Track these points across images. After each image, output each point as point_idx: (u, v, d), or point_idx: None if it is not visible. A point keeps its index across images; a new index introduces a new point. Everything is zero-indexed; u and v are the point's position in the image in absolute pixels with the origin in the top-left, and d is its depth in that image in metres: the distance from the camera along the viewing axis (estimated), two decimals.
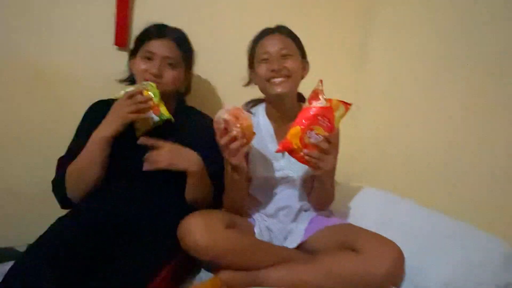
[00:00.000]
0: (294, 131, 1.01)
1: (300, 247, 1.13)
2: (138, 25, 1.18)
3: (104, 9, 1.36)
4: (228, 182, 1.11)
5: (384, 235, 1.02)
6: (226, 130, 1.01)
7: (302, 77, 1.21)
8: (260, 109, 1.25)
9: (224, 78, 1.47)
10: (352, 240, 1.02)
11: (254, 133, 1.04)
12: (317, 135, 1.00)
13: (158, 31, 1.15)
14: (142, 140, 1.02)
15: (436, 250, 1.03)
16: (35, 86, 1.35)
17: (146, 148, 1.05)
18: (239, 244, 1.01)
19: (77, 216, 1.02)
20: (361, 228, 1.09)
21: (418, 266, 0.99)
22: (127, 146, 1.05)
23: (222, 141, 1.01)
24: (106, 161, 1.04)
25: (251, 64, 1.21)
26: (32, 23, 1.32)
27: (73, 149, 1.09)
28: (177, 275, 1.02)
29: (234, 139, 1.00)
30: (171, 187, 1.10)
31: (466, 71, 1.19)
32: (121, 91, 1.07)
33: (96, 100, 1.20)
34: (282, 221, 1.21)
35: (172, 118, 1.10)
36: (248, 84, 1.25)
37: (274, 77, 1.13)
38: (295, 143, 1.01)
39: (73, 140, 1.14)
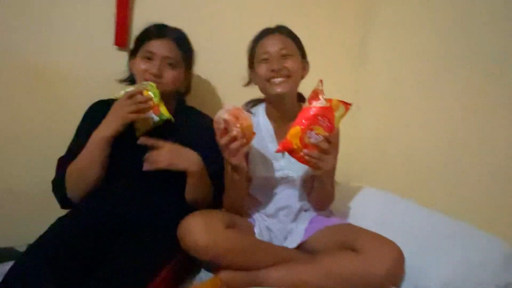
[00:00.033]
0: (294, 131, 1.01)
1: (300, 247, 1.13)
2: (138, 25, 1.18)
3: (104, 9, 1.36)
4: (228, 182, 1.11)
5: (384, 235, 1.02)
6: (226, 130, 1.01)
7: (302, 77, 1.21)
8: (260, 109, 1.25)
9: (224, 78, 1.47)
10: (352, 240, 1.02)
11: (254, 133, 1.04)
12: (317, 135, 1.00)
13: (158, 31, 1.15)
14: (142, 140, 1.02)
15: (436, 250, 1.03)
16: (35, 86, 1.35)
17: (146, 148, 1.05)
18: (239, 244, 1.01)
19: (77, 216, 1.03)
20: (361, 228, 1.09)
21: (418, 266, 0.99)
22: (127, 146, 1.05)
23: (222, 141, 1.01)
24: (106, 161, 1.04)
25: (251, 64, 1.21)
26: (32, 22, 1.32)
27: (73, 149, 1.09)
28: (177, 275, 1.02)
29: (234, 139, 1.00)
30: (171, 187, 1.10)
31: (466, 71, 1.18)
32: (121, 91, 1.07)
33: (96, 100, 1.20)
34: (282, 221, 1.21)
35: (172, 118, 1.10)
36: (248, 84, 1.25)
37: (274, 77, 1.13)
38: (295, 143, 1.01)
39: (73, 140, 1.14)
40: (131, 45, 1.22)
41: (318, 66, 1.26)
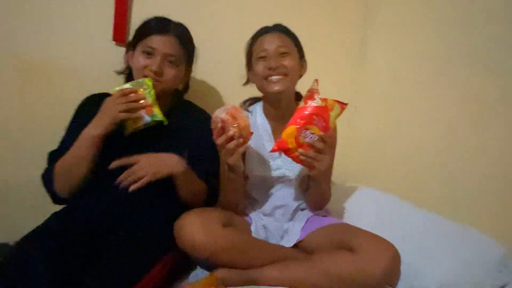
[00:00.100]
0: (289, 130, 1.01)
1: (296, 246, 1.13)
2: (136, 22, 1.16)
3: (103, 5, 1.35)
4: (224, 181, 1.11)
5: (381, 235, 1.01)
6: (223, 130, 1.00)
7: (300, 76, 1.20)
8: (258, 108, 1.25)
9: (224, 76, 1.46)
10: (348, 239, 1.02)
11: (251, 133, 1.04)
12: (312, 135, 1.00)
13: (160, 25, 1.11)
14: (114, 165, 0.97)
15: (432, 251, 1.03)
16: (33, 81, 1.34)
17: (141, 145, 1.04)
18: (236, 242, 1.01)
19: (72, 212, 1.03)
20: (357, 228, 1.09)
21: (414, 266, 1.00)
22: (121, 143, 1.04)
23: (219, 140, 1.00)
24: (95, 159, 1.01)
25: (249, 63, 1.21)
26: (30, 18, 1.31)
27: (64, 144, 1.07)
28: (172, 273, 1.02)
29: (231, 139, 0.99)
30: (164, 184, 1.09)
31: (465, 72, 1.19)
32: (116, 87, 1.04)
33: (90, 94, 1.17)
34: (279, 220, 1.21)
35: (166, 120, 1.06)
36: (246, 83, 1.25)
37: (271, 75, 1.12)
38: (290, 142, 1.01)
39: (65, 135, 1.11)
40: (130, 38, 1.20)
41: (318, 66, 1.26)
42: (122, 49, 1.30)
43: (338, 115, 1.04)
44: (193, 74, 1.27)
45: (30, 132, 1.35)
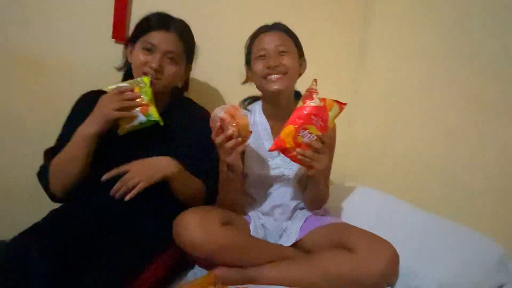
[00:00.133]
0: (288, 130, 1.00)
1: (295, 245, 1.13)
2: (136, 19, 1.15)
3: (102, 2, 1.35)
4: (223, 180, 1.11)
5: (379, 235, 1.02)
6: (221, 129, 1.00)
7: (300, 75, 1.20)
8: (257, 107, 1.24)
9: (223, 75, 1.46)
10: (347, 239, 1.02)
11: (250, 132, 1.03)
12: (310, 135, 1.00)
13: (161, 22, 1.09)
14: (105, 177, 0.96)
15: (431, 251, 1.03)
16: (32, 78, 1.34)
17: (140, 143, 1.04)
18: (235, 241, 1.01)
19: (69, 210, 1.02)
20: (356, 228, 1.09)
21: (413, 266, 1.00)
22: (120, 143, 1.03)
23: (218, 139, 1.00)
24: (90, 157, 1.00)
25: (248, 61, 1.20)
26: (30, 14, 1.30)
27: (59, 142, 1.06)
28: (170, 271, 1.02)
29: (230, 138, 0.99)
30: (160, 184, 1.08)
31: (465, 72, 1.18)
32: (112, 85, 1.03)
33: (87, 91, 1.15)
34: (278, 219, 1.21)
35: (161, 120, 1.03)
36: (245, 81, 1.24)
37: (270, 74, 1.11)
38: (288, 142, 1.00)
39: (61, 133, 1.10)
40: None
41: (318, 65, 1.26)
42: (122, 47, 1.30)
43: (337, 115, 1.03)
44: (192, 73, 1.26)
45: (28, 129, 1.35)
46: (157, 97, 1.06)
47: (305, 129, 1.00)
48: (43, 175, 1.03)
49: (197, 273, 1.03)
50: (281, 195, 1.21)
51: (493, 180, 1.08)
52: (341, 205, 1.34)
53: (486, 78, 1.12)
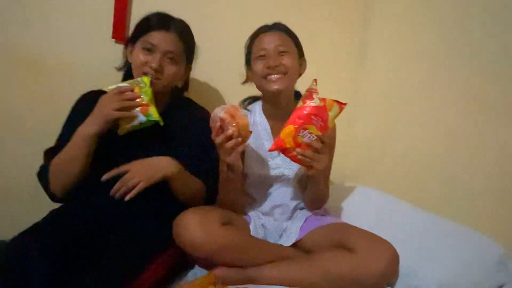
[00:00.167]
0: (288, 130, 1.00)
1: (295, 245, 1.13)
2: (136, 20, 1.15)
3: (102, 2, 1.35)
4: (223, 180, 1.10)
5: (379, 235, 1.02)
6: (221, 129, 1.00)
7: (300, 75, 1.20)
8: (257, 107, 1.24)
9: (224, 76, 1.46)
10: (347, 239, 1.02)
11: (250, 132, 1.03)
12: (310, 135, 1.00)
13: (162, 22, 1.09)
14: (105, 177, 0.96)
15: (431, 251, 1.03)
16: (32, 78, 1.34)
17: (141, 142, 1.03)
18: (235, 241, 1.01)
19: (69, 210, 1.02)
20: (356, 228, 1.09)
21: (413, 266, 1.00)
22: (120, 143, 1.03)
23: (218, 140, 1.00)
24: (90, 157, 1.00)
25: (248, 61, 1.20)
26: (30, 14, 1.30)
27: (59, 142, 1.06)
28: (170, 271, 1.02)
29: (230, 138, 0.99)
30: (160, 184, 1.08)
31: (465, 72, 1.18)
32: (112, 85, 1.03)
33: (87, 91, 1.15)
34: (278, 219, 1.21)
35: (161, 120, 1.03)
36: (245, 81, 1.24)
37: (270, 74, 1.11)
38: (288, 142, 1.00)
39: (61, 132, 1.10)
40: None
41: (318, 66, 1.26)
42: (122, 47, 1.30)
43: (337, 115, 1.03)
44: (193, 73, 1.26)
45: (28, 129, 1.35)
46: (157, 97, 1.06)
47: (305, 129, 1.00)
48: (43, 175, 1.03)
49: (197, 273, 1.03)
50: (281, 195, 1.21)
51: (493, 180, 1.08)
52: (341, 205, 1.34)
53: (486, 78, 1.12)
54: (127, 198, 0.95)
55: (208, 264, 1.02)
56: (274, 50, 1.12)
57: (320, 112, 1.00)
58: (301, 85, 1.18)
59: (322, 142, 1.00)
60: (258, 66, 1.13)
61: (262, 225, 1.18)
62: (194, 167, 1.11)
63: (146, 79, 1.03)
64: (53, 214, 1.02)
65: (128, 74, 1.16)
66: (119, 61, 1.20)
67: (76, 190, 1.02)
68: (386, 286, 0.98)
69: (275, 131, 1.18)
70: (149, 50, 1.07)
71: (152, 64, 1.06)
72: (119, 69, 1.19)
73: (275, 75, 1.11)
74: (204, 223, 0.98)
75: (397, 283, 0.99)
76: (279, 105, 1.18)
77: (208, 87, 1.50)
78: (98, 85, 1.15)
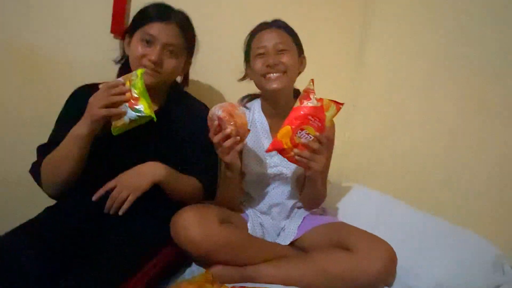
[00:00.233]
0: (285, 130, 1.00)
1: (292, 244, 1.13)
2: (135, 13, 1.15)
3: None
4: (221, 178, 1.10)
5: (378, 235, 1.02)
6: (220, 127, 0.99)
7: (299, 73, 1.19)
8: (256, 104, 1.24)
9: (223, 72, 1.45)
10: (345, 239, 1.02)
11: (248, 131, 1.02)
12: (307, 135, 0.99)
13: (161, 12, 1.05)
14: (95, 198, 0.95)
15: (428, 251, 1.03)
16: (30, 73, 1.33)
17: (136, 141, 1.01)
18: (233, 239, 1.01)
19: (64, 207, 1.01)
20: (354, 227, 1.08)
21: (410, 266, 1.00)
22: (113, 140, 0.99)
23: (215, 138, 0.99)
24: (83, 158, 0.97)
25: (247, 59, 1.19)
26: (26, 8, 1.30)
27: (52, 139, 1.03)
28: (167, 269, 1.01)
29: (228, 137, 0.98)
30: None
31: (464, 73, 1.19)
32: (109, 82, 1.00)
33: (80, 85, 1.11)
34: (275, 218, 1.20)
35: (153, 116, 0.96)
36: (243, 78, 1.23)
37: (269, 73, 1.10)
38: (286, 143, 1.00)
39: (54, 129, 1.06)
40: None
41: (318, 65, 1.26)
42: (120, 41, 1.29)
43: (334, 115, 1.03)
44: (192, 69, 1.25)
45: (24, 126, 1.34)
46: (155, 92, 1.04)
47: (302, 129, 0.99)
48: (35, 172, 1.01)
49: (194, 271, 1.03)
50: (279, 194, 1.20)
51: (493, 180, 1.08)
52: (340, 205, 1.34)
53: (486, 78, 1.12)
54: (120, 213, 0.95)
55: (206, 262, 1.01)
56: (274, 48, 1.11)
57: (317, 113, 1.00)
58: (301, 83, 1.18)
59: (320, 143, 1.00)
60: (257, 64, 1.12)
61: (260, 223, 1.18)
62: (192, 165, 1.10)
63: (139, 71, 0.96)
64: (47, 211, 1.00)
65: (125, 67, 1.12)
66: (118, 56, 1.18)
67: (70, 189, 1.00)
68: (383, 286, 0.97)
69: (274, 129, 1.18)
70: (148, 41, 1.03)
71: (151, 56, 1.02)
72: (116, 62, 1.16)
73: (274, 74, 1.10)
74: (202, 221, 0.98)
75: (395, 283, 0.99)
76: (278, 103, 1.18)
77: (207, 85, 1.49)
78: (96, 80, 1.13)
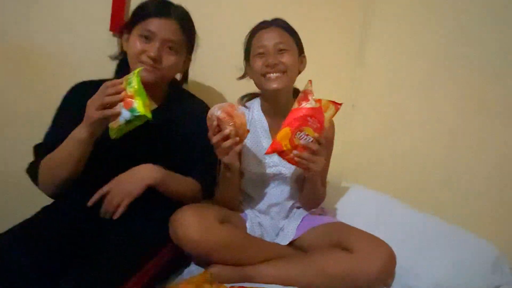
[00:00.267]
0: (284, 132, 1.00)
1: (291, 244, 1.13)
2: None
3: None
4: (220, 178, 1.10)
5: (377, 235, 1.01)
6: (219, 128, 0.98)
7: (299, 72, 1.19)
8: (255, 104, 1.23)
9: (223, 71, 1.44)
10: (344, 239, 1.02)
11: (247, 131, 1.02)
12: (307, 136, 0.99)
13: (160, 8, 1.03)
14: (90, 203, 0.93)
15: (427, 251, 1.03)
16: (28, 71, 1.32)
17: (135, 140, 1.01)
18: (232, 239, 1.00)
19: (61, 207, 1.00)
20: (353, 228, 1.08)
21: (409, 267, 1.00)
22: (117, 145, 0.97)
23: (214, 139, 0.98)
24: (82, 161, 0.95)
25: (247, 57, 1.19)
26: (24, 6, 1.29)
27: (49, 137, 1.01)
28: (166, 269, 1.01)
29: (227, 137, 0.97)
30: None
31: (464, 73, 1.19)
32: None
33: (78, 82, 1.08)
34: (274, 218, 1.20)
35: (150, 116, 0.90)
36: (242, 77, 1.22)
37: (269, 72, 1.10)
38: (285, 144, 1.00)
39: (50, 128, 1.04)
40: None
41: (318, 65, 1.25)
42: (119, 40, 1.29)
43: (333, 115, 1.03)
44: (192, 68, 1.24)
45: (21, 124, 1.33)
46: (155, 90, 1.03)
47: (301, 131, 0.99)
48: (32, 172, 1.00)
49: (193, 271, 1.02)
50: (278, 194, 1.20)
51: (492, 180, 1.09)
52: (339, 205, 1.34)
53: (486, 78, 1.12)
54: (114, 217, 0.93)
55: (204, 262, 1.01)
56: (274, 48, 1.10)
57: (316, 114, 0.99)
58: (301, 82, 1.17)
59: (319, 144, 1.00)
60: (257, 64, 1.12)
61: (259, 223, 1.17)
62: (191, 165, 1.09)
63: (137, 70, 0.92)
64: (45, 211, 0.99)
65: (123, 64, 1.11)
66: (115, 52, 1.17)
67: (68, 189, 0.99)
68: (382, 286, 0.97)
69: (273, 129, 1.17)
70: (147, 37, 1.01)
71: (150, 53, 0.99)
72: (112, 58, 1.14)
73: (274, 74, 1.10)
74: (201, 221, 0.97)
75: (394, 283, 0.99)
76: (278, 103, 1.17)
77: (206, 84, 1.49)
78: (95, 78, 1.13)
